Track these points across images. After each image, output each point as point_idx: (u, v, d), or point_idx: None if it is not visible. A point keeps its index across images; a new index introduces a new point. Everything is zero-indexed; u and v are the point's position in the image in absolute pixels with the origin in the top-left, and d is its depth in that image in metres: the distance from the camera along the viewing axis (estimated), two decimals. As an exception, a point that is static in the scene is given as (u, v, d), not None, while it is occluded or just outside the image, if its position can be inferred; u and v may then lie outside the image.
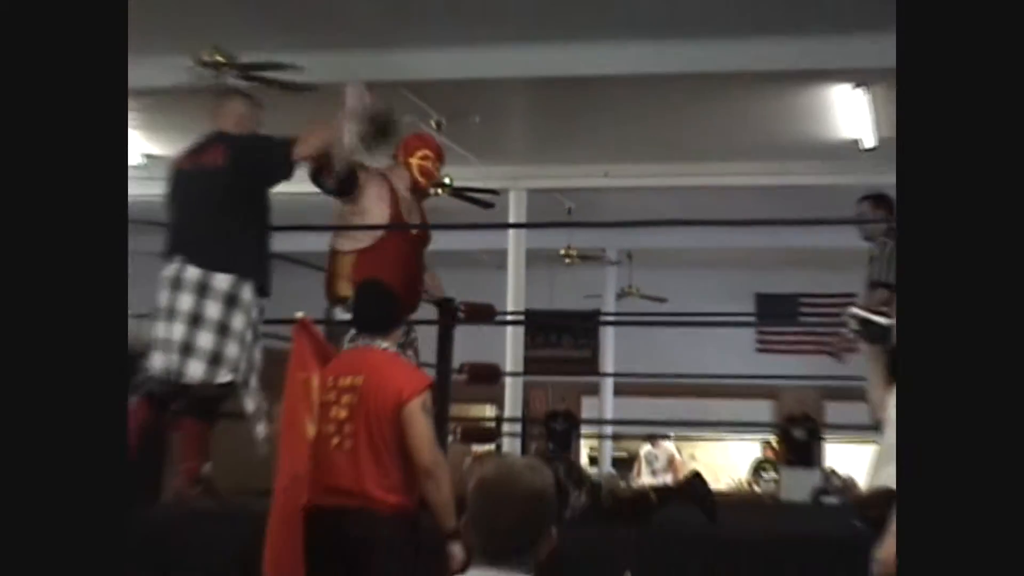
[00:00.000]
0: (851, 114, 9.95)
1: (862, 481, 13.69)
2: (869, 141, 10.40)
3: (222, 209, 5.44)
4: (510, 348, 12.15)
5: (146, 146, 11.97)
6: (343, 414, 4.53)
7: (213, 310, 5.32)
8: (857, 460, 14.81)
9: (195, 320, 5.31)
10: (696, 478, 6.55)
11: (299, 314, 4.84)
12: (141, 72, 8.90)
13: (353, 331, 5.00)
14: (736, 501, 15.13)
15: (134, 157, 12.06)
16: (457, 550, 4.37)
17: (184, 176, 5.67)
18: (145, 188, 11.88)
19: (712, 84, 9.49)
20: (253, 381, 5.42)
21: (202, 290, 5.33)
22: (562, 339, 18.24)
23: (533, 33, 8.61)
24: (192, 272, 5.36)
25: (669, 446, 16.34)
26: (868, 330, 4.64)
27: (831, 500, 12.77)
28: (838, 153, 11.12)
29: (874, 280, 6.90)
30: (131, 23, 8.39)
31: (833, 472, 14.50)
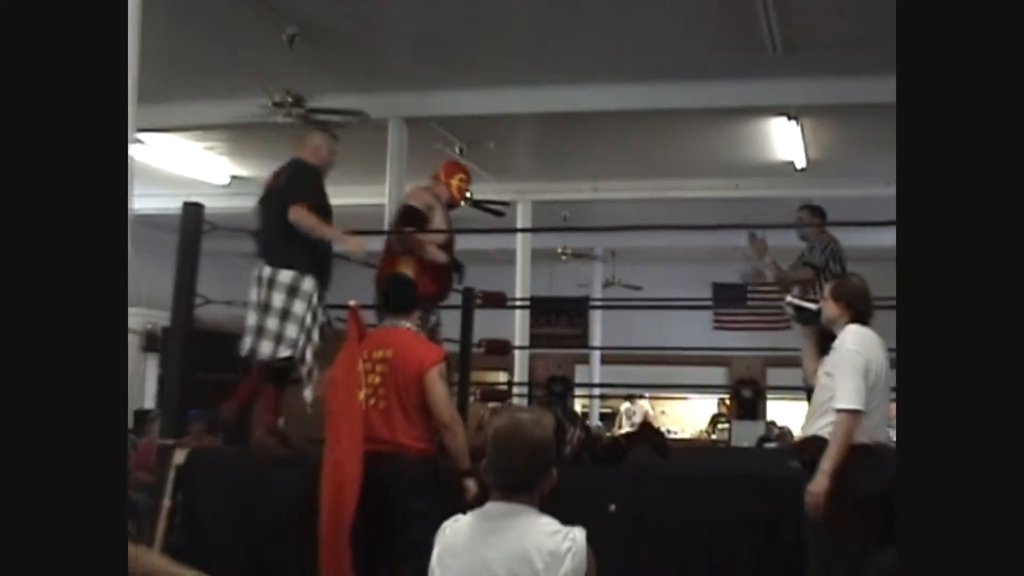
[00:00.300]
0: (786, 141, 9.90)
1: (796, 431, 13.67)
2: (801, 163, 10.37)
3: (283, 220, 5.39)
4: (518, 327, 12.14)
5: (232, 169, 11.97)
6: (377, 380, 4.59)
7: (278, 300, 5.31)
8: (792, 415, 14.81)
9: (265, 308, 5.32)
10: (647, 426, 6.57)
11: (352, 302, 4.84)
12: (227, 108, 8.93)
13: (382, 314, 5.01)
14: (697, 446, 15.12)
15: (223, 178, 12.06)
16: (471, 484, 4.43)
17: (265, 194, 5.66)
18: (231, 202, 11.98)
19: (679, 118, 9.48)
20: (309, 355, 5.37)
21: (271, 284, 5.33)
22: (559, 320, 18.21)
23: (537, 78, 8.63)
24: (266, 270, 5.38)
25: (644, 404, 16.36)
26: (801, 315, 4.65)
27: (771, 445, 12.75)
28: (776, 172, 11.08)
29: (805, 261, 6.83)
30: (217, 70, 8.33)
31: (773, 424, 14.49)
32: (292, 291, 5.33)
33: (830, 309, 4.41)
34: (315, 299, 5.40)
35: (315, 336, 5.42)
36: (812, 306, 4.59)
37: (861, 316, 4.35)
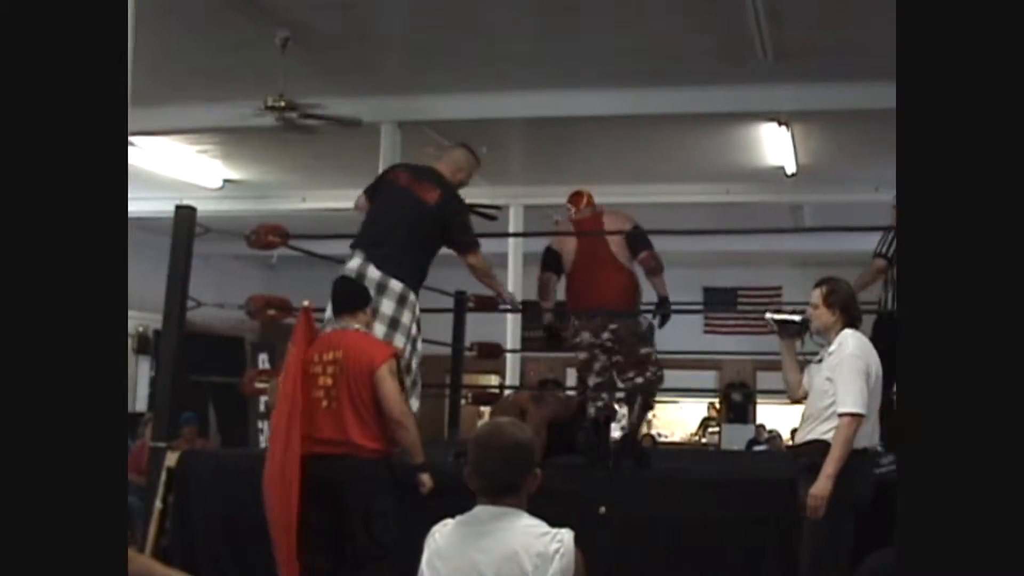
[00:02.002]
0: (777, 147, 9.91)
1: (786, 434, 13.66)
2: (791, 168, 10.38)
3: (417, 234, 5.32)
4: (510, 330, 12.12)
5: (225, 172, 11.95)
6: (329, 382, 4.61)
7: (387, 307, 5.18)
8: (782, 418, 14.83)
9: (373, 313, 5.11)
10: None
11: (305, 302, 4.91)
12: (220, 112, 8.93)
13: (329, 315, 5.02)
14: (687, 449, 15.13)
15: (215, 181, 12.05)
16: (426, 478, 4.52)
17: (397, 191, 5.49)
18: (224, 205, 11.98)
19: (670, 123, 9.48)
20: (414, 365, 5.29)
21: (380, 289, 5.17)
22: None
23: (528, 83, 8.62)
24: (374, 272, 5.21)
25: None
26: (784, 328, 4.62)
27: (761, 448, 12.77)
28: (767, 177, 11.08)
29: (876, 252, 6.23)
30: (210, 74, 8.34)
31: (763, 427, 14.51)
32: (401, 301, 5.22)
33: (823, 316, 4.39)
34: (418, 312, 5.33)
35: (419, 347, 5.36)
36: (795, 317, 4.58)
37: (854, 321, 4.37)
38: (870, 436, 4.24)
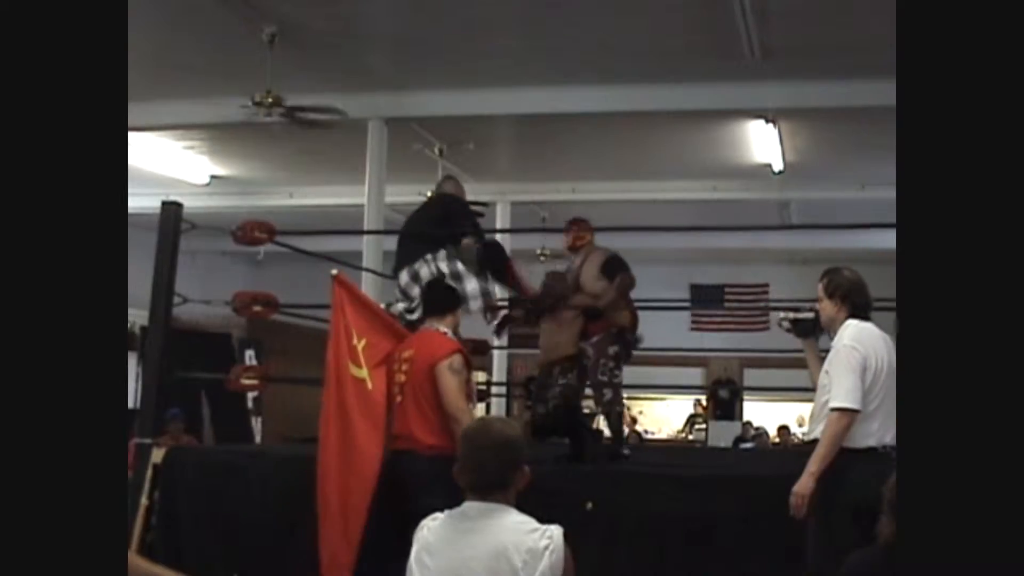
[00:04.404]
0: (764, 144, 9.94)
1: (772, 431, 13.64)
2: (778, 165, 10.41)
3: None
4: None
5: (212, 168, 11.93)
6: (403, 378, 4.72)
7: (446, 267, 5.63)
8: (768, 416, 14.88)
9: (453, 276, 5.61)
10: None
11: (334, 271, 4.99)
12: (207, 108, 8.91)
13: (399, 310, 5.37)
14: (674, 446, 15.15)
15: (202, 177, 12.02)
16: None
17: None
18: (211, 201, 11.95)
19: (657, 120, 9.49)
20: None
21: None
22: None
23: (516, 80, 8.63)
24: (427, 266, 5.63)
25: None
26: (799, 327, 4.55)
27: (747, 446, 12.79)
28: (754, 174, 11.11)
29: None
30: (197, 69, 8.30)
31: (749, 424, 14.54)
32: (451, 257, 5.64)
33: (827, 309, 4.22)
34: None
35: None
36: (808, 315, 4.48)
37: (859, 310, 4.16)
38: (878, 434, 3.97)
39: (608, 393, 5.90)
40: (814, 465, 3.94)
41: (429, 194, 6.42)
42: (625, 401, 6.65)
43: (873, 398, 3.97)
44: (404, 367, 4.74)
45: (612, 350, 5.95)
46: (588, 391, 6.02)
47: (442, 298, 5.07)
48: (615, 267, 6.18)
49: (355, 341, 4.83)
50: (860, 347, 4.00)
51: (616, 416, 6.01)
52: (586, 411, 6.18)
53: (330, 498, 4.63)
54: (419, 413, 4.63)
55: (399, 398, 4.71)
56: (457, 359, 4.66)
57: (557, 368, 5.86)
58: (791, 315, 4.57)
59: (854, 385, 3.93)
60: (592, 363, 5.87)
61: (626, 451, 5.97)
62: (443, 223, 5.87)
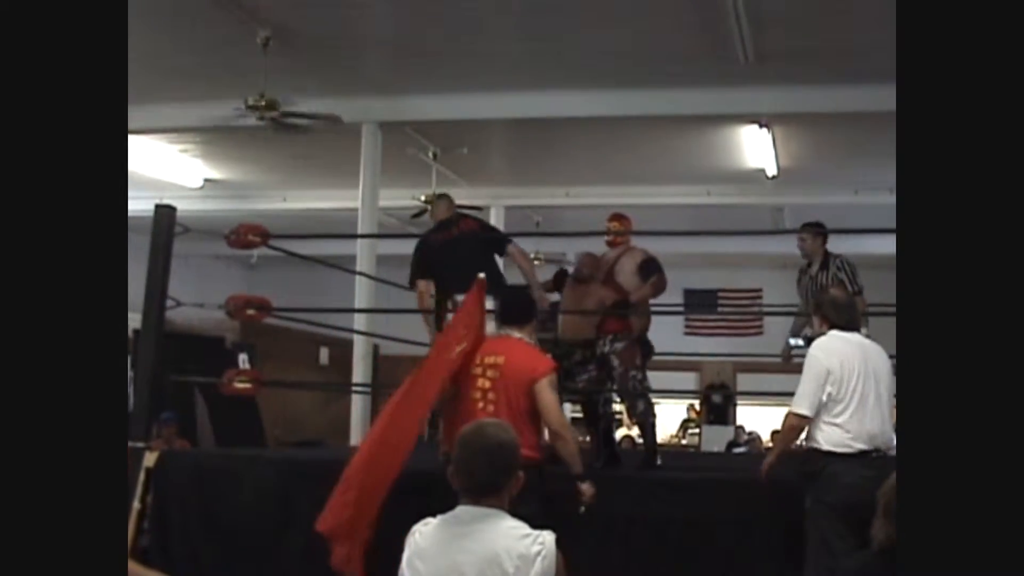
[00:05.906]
0: (758, 149, 9.95)
1: (766, 436, 13.65)
2: (772, 170, 10.43)
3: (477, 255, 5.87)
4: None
5: (206, 172, 11.91)
6: (487, 384, 4.59)
7: None
8: (761, 420, 14.87)
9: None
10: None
11: (481, 274, 4.95)
12: (201, 111, 8.88)
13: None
14: (668, 450, 15.12)
15: (196, 180, 12.00)
16: (586, 487, 4.48)
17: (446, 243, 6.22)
18: (204, 205, 11.94)
19: (650, 124, 9.51)
20: None
21: None
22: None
23: (509, 84, 8.63)
24: None
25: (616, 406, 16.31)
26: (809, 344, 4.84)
27: (741, 450, 12.79)
28: (748, 179, 11.14)
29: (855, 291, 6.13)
30: (192, 73, 8.27)
31: (742, 428, 14.54)
32: None
33: (816, 325, 4.62)
34: None
35: None
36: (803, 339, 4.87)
37: (836, 326, 4.47)
38: (869, 438, 4.22)
39: (641, 404, 5.98)
40: (768, 458, 4.58)
41: (424, 198, 6.37)
42: (618, 403, 6.69)
43: (841, 399, 4.28)
44: (490, 373, 4.64)
45: (638, 359, 5.99)
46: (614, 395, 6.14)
47: (524, 307, 4.99)
48: (652, 268, 6.30)
49: (462, 344, 4.76)
50: (823, 357, 4.35)
51: (651, 427, 6.08)
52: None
53: (357, 464, 4.53)
54: (515, 425, 4.53)
55: (481, 404, 4.58)
56: (554, 376, 4.64)
57: (578, 353, 6.05)
58: (798, 339, 4.95)
59: (810, 392, 4.31)
60: (621, 372, 5.91)
61: (659, 462, 6.06)
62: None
